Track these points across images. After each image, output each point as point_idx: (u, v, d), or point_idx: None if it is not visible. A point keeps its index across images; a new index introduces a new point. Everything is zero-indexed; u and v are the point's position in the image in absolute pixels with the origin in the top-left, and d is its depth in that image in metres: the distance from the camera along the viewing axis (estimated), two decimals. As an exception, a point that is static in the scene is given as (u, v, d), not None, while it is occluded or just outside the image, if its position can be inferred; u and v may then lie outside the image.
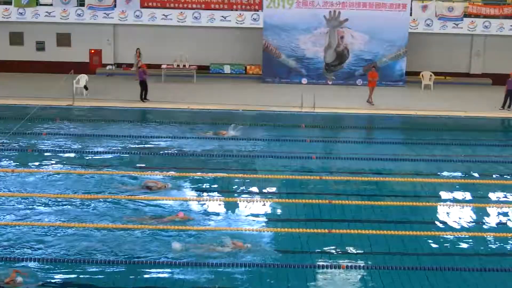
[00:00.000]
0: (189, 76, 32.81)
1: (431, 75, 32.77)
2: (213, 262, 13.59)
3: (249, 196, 17.55)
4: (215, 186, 18.41)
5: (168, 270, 13.53)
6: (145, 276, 13.32)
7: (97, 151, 21.13)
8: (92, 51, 34.08)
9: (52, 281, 12.97)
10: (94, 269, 13.43)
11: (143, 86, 28.41)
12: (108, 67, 34.15)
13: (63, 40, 33.89)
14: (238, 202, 17.09)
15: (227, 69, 33.94)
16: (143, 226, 15.29)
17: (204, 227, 15.49)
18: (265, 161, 21.04)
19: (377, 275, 13.33)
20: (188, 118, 25.71)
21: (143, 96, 28.30)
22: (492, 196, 18.37)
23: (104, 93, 29.56)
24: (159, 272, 13.48)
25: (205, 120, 25.58)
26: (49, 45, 33.83)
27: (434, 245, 14.89)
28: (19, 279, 12.57)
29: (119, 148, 21.76)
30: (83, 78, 29.62)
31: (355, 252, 14.35)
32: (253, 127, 24.97)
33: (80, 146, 21.77)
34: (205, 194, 17.66)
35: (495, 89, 31.11)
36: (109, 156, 20.96)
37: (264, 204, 17.06)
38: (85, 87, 29.38)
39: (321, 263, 13.66)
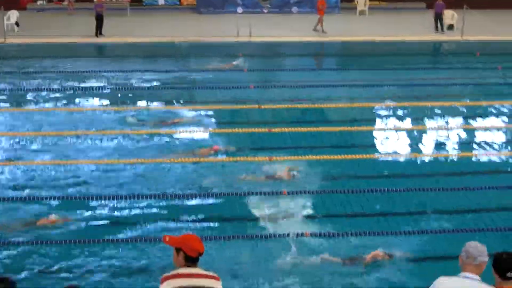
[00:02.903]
0: (122, 10, 32.21)
1: (365, 0, 32.88)
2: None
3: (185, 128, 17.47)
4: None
5: (204, 202, 13.40)
6: (182, 210, 13.02)
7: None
8: (22, -15, 33.12)
9: (87, 216, 12.60)
10: (131, 204, 13.08)
11: (99, 20, 27.76)
12: (39, 2, 33.24)
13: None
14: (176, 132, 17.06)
15: (161, 0, 33.43)
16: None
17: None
18: (204, 92, 20.95)
19: (319, 199, 13.56)
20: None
21: (98, 31, 27.73)
22: (428, 118, 18.76)
23: (37, 28, 28.83)
24: (195, 205, 13.28)
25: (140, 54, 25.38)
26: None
27: (371, 169, 15.16)
28: (53, 216, 12.19)
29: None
30: (13, 14, 28.79)
31: (295, 178, 14.46)
32: (187, 58, 24.89)
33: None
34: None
35: (429, 13, 31.41)
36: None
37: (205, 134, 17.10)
38: (17, 24, 28.60)
39: (264, 190, 13.76)
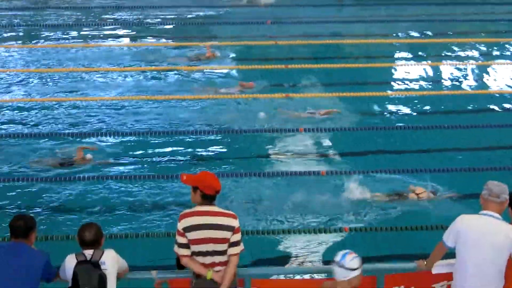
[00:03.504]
0: None
1: None
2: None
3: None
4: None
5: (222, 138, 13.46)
6: (235, 143, 13.21)
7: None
8: None
9: (122, 154, 12.73)
10: (149, 140, 13.22)
11: None
12: None
13: None
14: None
15: None
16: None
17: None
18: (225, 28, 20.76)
19: (336, 136, 13.53)
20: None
21: None
22: (446, 54, 18.53)
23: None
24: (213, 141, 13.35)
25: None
26: None
27: (390, 106, 15.07)
28: (88, 155, 12.25)
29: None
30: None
31: (311, 114, 14.38)
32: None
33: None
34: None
35: None
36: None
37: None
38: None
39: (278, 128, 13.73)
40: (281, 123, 13.77)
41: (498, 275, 5.93)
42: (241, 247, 6.10)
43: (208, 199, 6.03)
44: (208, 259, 6.01)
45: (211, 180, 6.05)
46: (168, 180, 11.52)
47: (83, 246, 5.98)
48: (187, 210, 6.07)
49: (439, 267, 6.38)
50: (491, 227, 5.87)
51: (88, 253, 5.91)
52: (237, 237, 6.05)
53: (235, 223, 6.02)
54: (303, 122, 13.82)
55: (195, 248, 6.00)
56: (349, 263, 5.59)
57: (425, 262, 6.37)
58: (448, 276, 6.36)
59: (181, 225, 5.99)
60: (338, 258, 5.65)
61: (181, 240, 6.01)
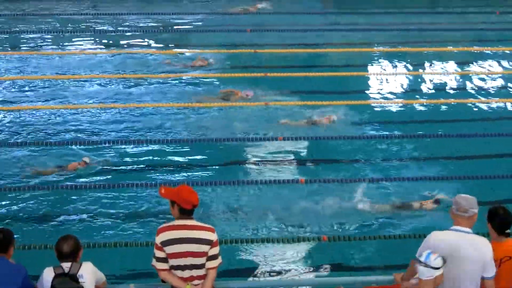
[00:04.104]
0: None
1: None
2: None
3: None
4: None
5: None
6: (215, 151, 13.23)
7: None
8: None
9: (101, 162, 12.69)
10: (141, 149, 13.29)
11: None
12: None
13: None
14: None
15: None
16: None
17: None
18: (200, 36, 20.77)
19: (316, 144, 13.62)
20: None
21: None
22: (423, 63, 18.68)
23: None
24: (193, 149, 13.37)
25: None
26: None
27: (369, 114, 15.12)
28: (86, 160, 12.29)
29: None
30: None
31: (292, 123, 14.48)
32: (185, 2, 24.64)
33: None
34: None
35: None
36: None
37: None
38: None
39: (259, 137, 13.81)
40: (263, 131, 13.83)
41: (474, 289, 5.98)
42: (219, 260, 6.13)
43: (186, 213, 6.06)
44: (186, 273, 6.04)
45: (188, 195, 6.06)
46: (147, 188, 11.52)
47: (61, 258, 5.97)
48: (165, 224, 6.09)
49: (415, 280, 6.42)
50: (463, 242, 5.92)
51: (66, 266, 5.91)
52: (215, 250, 6.07)
53: (213, 236, 6.05)
54: (302, 130, 13.92)
55: (173, 262, 6.02)
56: (434, 262, 5.67)
57: (402, 275, 6.42)
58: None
59: (159, 239, 6.01)
60: (422, 258, 5.71)
61: (159, 254, 6.03)
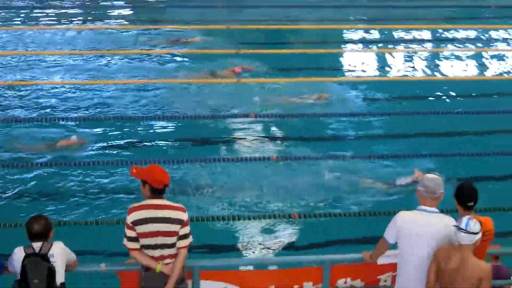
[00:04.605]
0: None
1: None
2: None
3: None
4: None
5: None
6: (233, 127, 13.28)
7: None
8: None
9: (115, 136, 12.75)
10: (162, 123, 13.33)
11: None
12: None
13: None
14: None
15: None
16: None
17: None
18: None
19: (290, 121, 13.66)
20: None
21: None
22: (399, 40, 18.77)
23: None
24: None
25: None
26: None
27: (342, 91, 15.19)
28: (74, 138, 12.20)
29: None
30: None
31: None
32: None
33: None
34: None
35: None
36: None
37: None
38: None
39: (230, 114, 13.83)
40: (237, 109, 13.86)
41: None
42: (190, 239, 6.15)
43: (157, 192, 6.07)
44: (157, 252, 6.06)
45: (159, 174, 6.07)
46: (118, 166, 11.51)
47: (32, 238, 5.96)
48: (136, 204, 6.10)
49: (384, 258, 6.50)
50: (430, 221, 6.00)
51: (37, 245, 5.90)
52: (186, 230, 6.10)
53: (184, 216, 6.07)
54: (293, 107, 13.93)
55: (144, 241, 6.04)
56: (473, 227, 5.80)
57: (370, 254, 6.50)
58: (393, 267, 6.51)
59: (130, 218, 6.02)
60: (462, 224, 5.82)
61: (130, 233, 6.04)
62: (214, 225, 10.03)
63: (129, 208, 6.08)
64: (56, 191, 10.91)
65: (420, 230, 6.00)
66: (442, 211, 6.12)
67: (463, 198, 6.30)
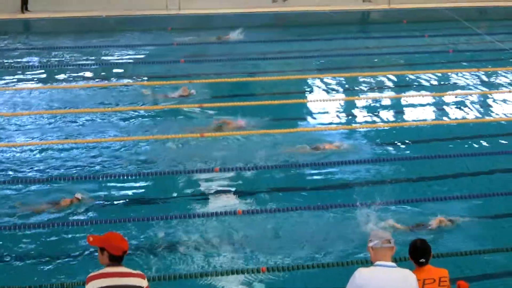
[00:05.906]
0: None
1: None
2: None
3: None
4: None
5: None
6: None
7: None
8: None
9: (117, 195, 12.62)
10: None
11: None
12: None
13: None
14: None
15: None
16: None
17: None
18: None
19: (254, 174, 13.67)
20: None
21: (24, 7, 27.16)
22: (357, 88, 18.99)
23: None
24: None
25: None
26: None
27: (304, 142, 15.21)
28: (78, 195, 12.02)
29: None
30: None
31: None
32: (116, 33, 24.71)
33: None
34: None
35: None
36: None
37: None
38: None
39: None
40: (198, 163, 13.85)
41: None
42: (151, 305, 6.12)
43: (116, 259, 6.03)
44: (118, 320, 6.01)
45: (117, 241, 6.04)
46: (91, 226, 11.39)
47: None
48: (95, 272, 6.04)
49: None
50: (392, 276, 5.99)
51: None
52: (146, 296, 6.06)
53: (143, 283, 6.03)
54: (300, 156, 14.03)
55: (106, 309, 5.99)
56: None
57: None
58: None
59: (89, 287, 5.97)
60: None
61: (90, 302, 5.99)
62: (181, 283, 9.91)
63: (88, 277, 6.01)
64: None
65: (382, 286, 6.00)
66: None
67: (416, 255, 6.58)
